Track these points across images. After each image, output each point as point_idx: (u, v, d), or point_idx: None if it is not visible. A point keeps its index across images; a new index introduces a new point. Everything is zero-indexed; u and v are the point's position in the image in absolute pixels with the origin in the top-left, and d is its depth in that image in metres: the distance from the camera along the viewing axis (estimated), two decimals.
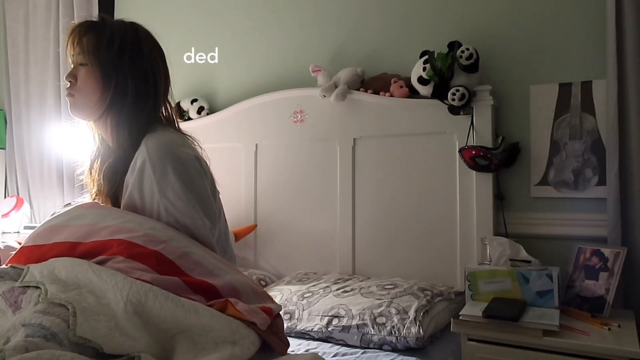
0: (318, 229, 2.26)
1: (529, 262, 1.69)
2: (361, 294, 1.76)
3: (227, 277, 0.99)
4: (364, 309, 1.64)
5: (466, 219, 1.97)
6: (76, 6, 2.94)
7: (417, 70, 2.02)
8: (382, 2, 2.28)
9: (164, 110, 1.22)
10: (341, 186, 2.22)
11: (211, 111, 2.58)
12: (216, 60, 2.63)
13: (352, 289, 1.82)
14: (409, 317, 1.57)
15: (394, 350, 1.55)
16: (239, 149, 2.46)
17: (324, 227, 2.25)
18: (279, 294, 1.88)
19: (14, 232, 2.94)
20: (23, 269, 0.91)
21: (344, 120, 2.22)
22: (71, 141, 2.70)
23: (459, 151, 1.94)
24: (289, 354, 0.96)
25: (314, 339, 1.67)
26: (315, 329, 1.66)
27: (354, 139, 2.20)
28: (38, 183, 3.09)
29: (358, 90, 2.20)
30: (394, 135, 2.13)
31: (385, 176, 2.14)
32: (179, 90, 2.63)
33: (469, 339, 1.55)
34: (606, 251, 1.68)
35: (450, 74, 1.93)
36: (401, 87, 2.09)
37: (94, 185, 1.22)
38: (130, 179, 1.10)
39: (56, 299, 0.79)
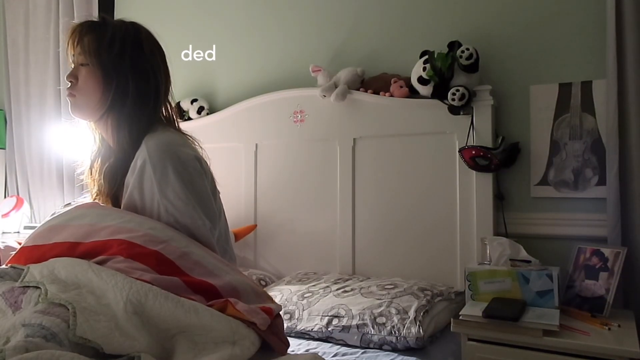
0: (318, 229, 2.26)
1: (529, 262, 1.69)
2: (361, 294, 1.76)
3: (227, 277, 0.99)
4: (364, 309, 1.64)
5: (466, 219, 1.97)
6: (76, 6, 2.94)
7: (417, 70, 2.02)
8: (382, 2, 2.28)
9: (164, 111, 1.22)
10: (341, 186, 2.22)
11: (211, 111, 2.58)
12: (214, 58, 2.63)
13: (352, 289, 1.82)
14: (409, 317, 1.57)
15: (394, 350, 1.55)
16: (239, 149, 2.46)
17: (324, 227, 2.25)
18: (279, 294, 1.88)
19: (14, 232, 2.94)
20: (23, 269, 0.91)
21: (344, 120, 2.22)
22: (71, 141, 2.70)
23: (459, 151, 1.94)
24: (289, 354, 0.96)
25: (314, 339, 1.67)
26: (315, 329, 1.66)
27: (354, 139, 2.20)
28: (38, 183, 3.09)
29: (358, 90, 2.20)
30: (394, 135, 2.13)
31: (385, 176, 2.14)
32: (179, 90, 2.63)
33: (469, 339, 1.55)
34: (606, 251, 1.68)
35: (450, 74, 1.93)
36: (401, 87, 2.09)
37: (94, 185, 1.22)
38: (130, 179, 1.10)
39: (56, 299, 0.79)
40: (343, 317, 1.64)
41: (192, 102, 2.55)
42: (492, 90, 1.93)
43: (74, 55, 1.16)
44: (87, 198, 1.27)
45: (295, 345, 1.59)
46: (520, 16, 2.02)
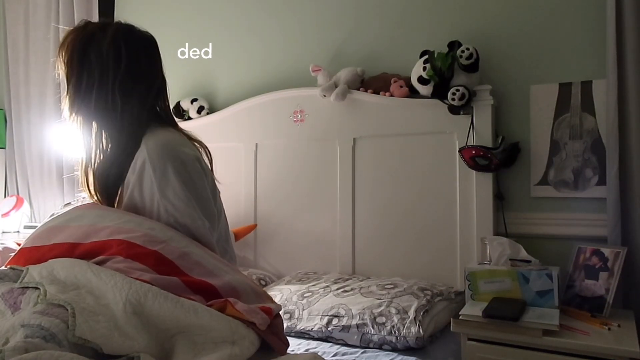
0: (318, 228, 2.26)
1: (529, 262, 1.69)
2: (361, 294, 1.76)
3: (227, 277, 0.99)
4: (363, 309, 1.64)
5: (466, 219, 1.97)
6: (76, 6, 2.94)
7: (417, 70, 2.02)
8: (382, 2, 2.28)
9: (160, 110, 1.21)
10: (341, 186, 2.22)
11: (211, 111, 2.58)
12: (210, 56, 2.63)
13: (352, 289, 1.82)
14: (409, 316, 1.57)
15: (394, 350, 1.55)
16: (239, 149, 2.46)
17: (324, 226, 2.25)
18: (279, 293, 1.88)
19: (14, 232, 2.94)
20: (22, 270, 0.91)
21: (343, 120, 2.22)
22: (71, 141, 2.69)
23: (459, 151, 1.94)
24: (288, 353, 0.96)
25: (313, 339, 1.67)
26: (315, 329, 1.66)
27: (354, 139, 2.20)
28: (38, 182, 3.09)
29: (358, 90, 2.20)
30: (394, 135, 2.13)
31: (385, 176, 2.14)
32: (179, 90, 2.63)
33: (469, 339, 1.55)
34: (606, 251, 1.68)
35: (450, 74, 1.93)
36: (401, 86, 2.09)
37: (87, 184, 1.21)
38: (131, 178, 1.09)
39: (55, 299, 0.79)
40: (343, 316, 1.64)
41: (192, 102, 2.55)
42: (492, 90, 1.93)
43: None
44: (87, 198, 1.27)
45: (295, 345, 1.59)
46: (520, 16, 2.01)
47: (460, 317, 1.55)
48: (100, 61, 1.11)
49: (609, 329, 1.49)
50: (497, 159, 1.88)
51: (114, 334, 0.77)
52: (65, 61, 1.14)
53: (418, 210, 2.07)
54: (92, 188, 1.17)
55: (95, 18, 2.87)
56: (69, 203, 1.20)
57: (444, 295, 1.77)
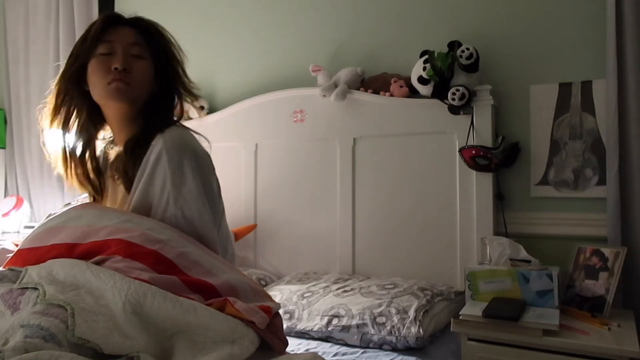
0: (318, 228, 2.26)
1: (529, 261, 1.69)
2: (361, 294, 1.76)
3: (225, 276, 0.99)
4: (364, 309, 1.64)
5: (466, 218, 1.97)
6: (76, 6, 2.94)
7: (417, 70, 2.02)
8: (381, 2, 2.28)
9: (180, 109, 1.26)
10: (341, 186, 2.22)
11: (211, 111, 2.58)
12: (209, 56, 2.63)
13: (352, 289, 1.82)
14: (409, 316, 1.57)
15: (394, 350, 1.55)
16: (239, 149, 2.46)
17: (324, 226, 2.25)
18: (279, 293, 1.88)
19: (14, 232, 2.94)
20: (21, 271, 0.91)
21: (343, 120, 2.22)
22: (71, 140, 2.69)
23: (459, 151, 1.94)
24: (288, 353, 0.95)
25: (313, 339, 1.67)
26: (315, 329, 1.66)
27: (354, 139, 2.20)
28: (38, 183, 3.09)
29: (358, 89, 2.20)
30: (394, 135, 2.13)
31: (385, 176, 2.14)
32: None
33: (469, 339, 1.55)
34: (606, 251, 1.68)
35: (450, 74, 1.93)
36: (401, 86, 2.09)
37: (82, 179, 1.21)
38: (145, 169, 1.09)
39: (54, 299, 0.78)
40: (343, 316, 1.64)
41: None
42: (492, 90, 1.93)
43: (111, 42, 1.14)
44: (86, 198, 1.27)
45: (295, 345, 1.59)
46: (520, 16, 2.02)
47: (460, 317, 1.55)
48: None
49: (609, 329, 1.49)
50: (497, 159, 1.88)
51: (114, 333, 0.77)
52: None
53: (418, 210, 2.07)
54: (95, 185, 1.17)
55: (95, 18, 2.86)
56: (69, 203, 1.20)
57: (444, 295, 1.77)
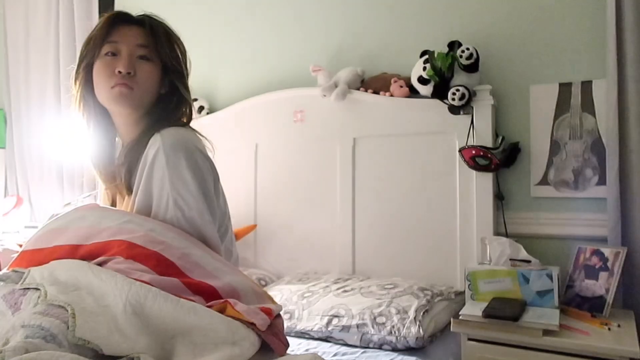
0: (318, 228, 2.26)
1: (529, 261, 1.69)
2: (361, 294, 1.76)
3: (227, 278, 0.99)
4: (363, 309, 1.64)
5: (466, 219, 1.97)
6: (76, 6, 2.94)
7: (417, 70, 2.02)
8: (382, 2, 2.28)
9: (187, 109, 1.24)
10: (341, 186, 2.22)
11: (211, 111, 2.58)
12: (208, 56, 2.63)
13: (352, 289, 1.82)
14: (409, 316, 1.58)
15: (394, 350, 1.55)
16: (239, 149, 2.46)
17: (324, 226, 2.25)
18: (279, 293, 1.88)
19: (14, 232, 2.94)
20: (24, 272, 0.91)
21: (344, 120, 2.22)
22: (71, 140, 2.70)
23: (459, 151, 1.94)
24: (288, 354, 0.95)
25: (313, 339, 1.67)
26: (315, 329, 1.66)
27: (354, 139, 2.20)
28: (38, 182, 3.09)
29: (358, 90, 2.20)
30: (394, 135, 2.13)
31: (385, 176, 2.14)
32: None
33: (469, 339, 1.55)
34: (606, 251, 1.68)
35: (450, 74, 1.93)
36: (401, 86, 2.09)
37: (108, 180, 1.21)
38: (144, 169, 1.08)
39: (55, 300, 0.78)
40: (343, 316, 1.64)
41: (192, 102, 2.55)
42: (492, 90, 1.93)
43: (116, 42, 1.13)
44: (88, 199, 1.27)
45: (295, 345, 1.59)
46: (520, 16, 2.01)
47: (460, 317, 1.55)
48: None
49: (609, 329, 1.49)
50: (497, 159, 1.88)
51: (114, 334, 0.77)
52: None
53: (418, 210, 2.07)
54: (120, 184, 1.16)
55: (95, 18, 2.87)
56: (69, 203, 1.20)
57: (444, 295, 1.77)
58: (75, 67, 1.18)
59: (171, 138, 1.08)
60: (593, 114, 1.88)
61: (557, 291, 1.58)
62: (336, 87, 2.19)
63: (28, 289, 0.85)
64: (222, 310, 0.89)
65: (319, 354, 1.49)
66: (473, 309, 1.57)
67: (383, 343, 1.57)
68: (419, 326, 1.54)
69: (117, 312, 0.80)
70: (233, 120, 2.48)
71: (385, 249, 2.13)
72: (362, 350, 1.56)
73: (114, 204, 1.23)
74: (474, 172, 1.94)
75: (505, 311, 1.50)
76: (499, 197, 1.97)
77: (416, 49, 2.08)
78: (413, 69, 2.05)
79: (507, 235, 1.90)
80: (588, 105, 1.89)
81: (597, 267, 1.67)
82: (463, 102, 1.90)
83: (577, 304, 1.66)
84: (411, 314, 1.58)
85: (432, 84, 1.97)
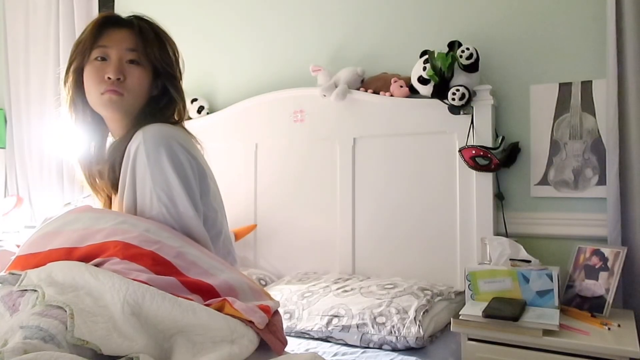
0: (318, 228, 2.26)
1: (529, 261, 1.69)
2: (361, 294, 1.76)
3: (223, 276, 0.99)
4: (363, 309, 1.64)
5: (466, 218, 1.97)
6: (76, 6, 2.94)
7: (417, 69, 2.02)
8: (382, 2, 2.28)
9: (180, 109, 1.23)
10: (341, 186, 2.22)
11: (211, 111, 2.58)
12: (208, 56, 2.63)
13: (352, 289, 1.82)
14: (409, 316, 1.57)
15: (394, 349, 1.55)
16: (239, 149, 2.46)
17: (324, 226, 2.25)
18: (279, 293, 1.88)
19: (15, 232, 2.94)
20: (21, 274, 0.90)
21: (344, 120, 2.22)
22: (71, 140, 2.69)
23: (459, 151, 1.94)
24: (288, 353, 0.95)
25: (313, 339, 1.67)
26: (315, 329, 1.66)
27: (354, 139, 2.20)
28: (38, 182, 3.09)
29: (358, 89, 2.20)
30: (394, 134, 2.13)
31: (385, 176, 2.14)
32: None
33: (469, 339, 1.55)
34: (606, 251, 1.68)
35: (450, 74, 1.93)
36: (401, 86, 2.09)
37: (95, 182, 1.20)
38: (127, 167, 1.08)
39: (53, 301, 0.78)
40: (343, 316, 1.64)
41: (192, 102, 2.55)
42: (492, 90, 1.93)
43: (105, 47, 1.12)
44: (88, 199, 1.26)
45: (295, 345, 1.59)
46: (520, 16, 2.01)
47: (460, 317, 1.55)
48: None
49: (609, 329, 1.49)
50: (497, 159, 1.88)
51: (113, 334, 0.77)
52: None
53: (418, 210, 2.07)
54: (105, 185, 1.16)
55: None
56: (69, 203, 1.20)
57: (444, 295, 1.77)
58: (65, 69, 1.17)
59: (152, 134, 1.06)
60: (593, 114, 1.88)
61: (557, 291, 1.58)
62: (336, 87, 2.19)
63: (26, 290, 0.84)
64: (220, 309, 0.89)
65: (319, 354, 1.49)
66: (473, 309, 1.57)
67: (383, 343, 1.57)
68: (419, 326, 1.54)
69: (115, 312, 0.80)
70: (233, 120, 2.48)
71: (385, 249, 2.13)
72: (362, 350, 1.56)
73: (109, 204, 1.23)
74: (474, 172, 1.94)
75: (505, 311, 1.50)
76: (499, 197, 1.97)
77: (416, 49, 2.08)
78: (413, 69, 2.05)
79: (507, 235, 1.90)
80: (588, 105, 1.89)
81: (597, 267, 1.67)
82: (463, 102, 1.90)
83: (577, 304, 1.66)
84: (411, 314, 1.58)
85: (432, 84, 1.97)
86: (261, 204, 2.41)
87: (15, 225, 2.96)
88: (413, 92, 2.08)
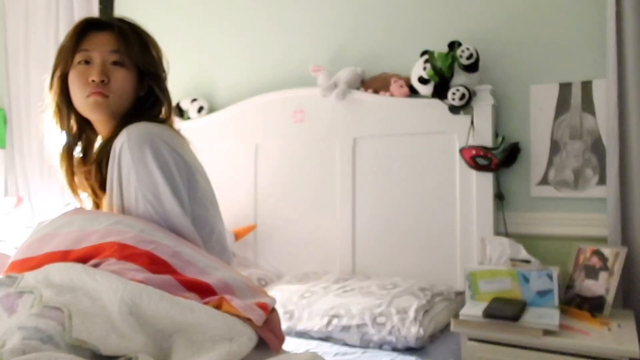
0: (318, 228, 2.26)
1: (529, 262, 1.69)
2: (361, 294, 1.76)
3: (219, 274, 0.99)
4: (363, 309, 1.64)
5: (466, 219, 1.97)
6: (76, 6, 2.94)
7: (418, 69, 2.02)
8: (382, 2, 2.28)
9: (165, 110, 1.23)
10: (341, 186, 2.22)
11: (211, 111, 2.58)
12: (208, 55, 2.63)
13: (352, 289, 1.82)
14: (409, 316, 1.57)
15: (394, 349, 1.55)
16: (239, 149, 2.46)
17: (324, 226, 2.25)
18: (279, 293, 1.88)
19: (14, 232, 2.93)
20: (17, 277, 0.90)
21: (344, 120, 2.22)
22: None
23: (459, 151, 1.94)
24: (288, 352, 0.95)
25: (313, 339, 1.67)
26: (315, 329, 1.66)
27: (354, 139, 2.20)
28: (38, 183, 3.09)
29: (358, 89, 2.20)
30: (394, 134, 2.13)
31: (386, 176, 2.14)
32: (178, 90, 2.63)
33: (469, 339, 1.55)
34: (606, 251, 1.68)
35: (450, 74, 1.93)
36: (401, 86, 2.09)
37: (84, 180, 1.21)
38: (113, 166, 1.07)
39: (51, 302, 0.78)
40: (343, 316, 1.64)
41: (191, 102, 2.55)
42: (492, 90, 1.93)
43: (87, 50, 1.13)
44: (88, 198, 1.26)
45: (295, 345, 1.59)
46: (520, 16, 2.01)
47: (460, 317, 1.55)
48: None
49: (609, 329, 1.49)
50: (497, 159, 1.88)
51: (111, 335, 0.76)
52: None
53: (418, 210, 2.07)
54: (95, 185, 1.16)
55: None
56: (69, 203, 1.20)
57: (444, 295, 1.77)
58: (50, 76, 1.18)
59: (136, 132, 1.06)
60: (593, 114, 1.88)
61: (557, 291, 1.58)
62: (336, 87, 2.19)
63: (23, 292, 0.84)
64: (218, 307, 0.89)
65: (319, 354, 1.49)
66: (473, 309, 1.57)
67: (383, 343, 1.57)
68: (419, 326, 1.54)
69: (113, 312, 0.80)
70: (233, 120, 2.47)
71: (385, 249, 2.13)
72: (362, 350, 1.56)
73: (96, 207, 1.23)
74: (474, 172, 1.94)
75: (505, 311, 1.50)
76: (499, 197, 1.97)
77: (416, 49, 2.08)
78: (413, 69, 2.05)
79: (507, 235, 1.90)
80: (588, 105, 1.89)
81: (597, 267, 1.67)
82: (463, 102, 1.89)
83: (577, 304, 1.66)
84: (411, 314, 1.58)
85: (432, 84, 1.97)
86: (261, 204, 2.41)
87: (16, 226, 2.96)
88: (413, 92, 2.08)
